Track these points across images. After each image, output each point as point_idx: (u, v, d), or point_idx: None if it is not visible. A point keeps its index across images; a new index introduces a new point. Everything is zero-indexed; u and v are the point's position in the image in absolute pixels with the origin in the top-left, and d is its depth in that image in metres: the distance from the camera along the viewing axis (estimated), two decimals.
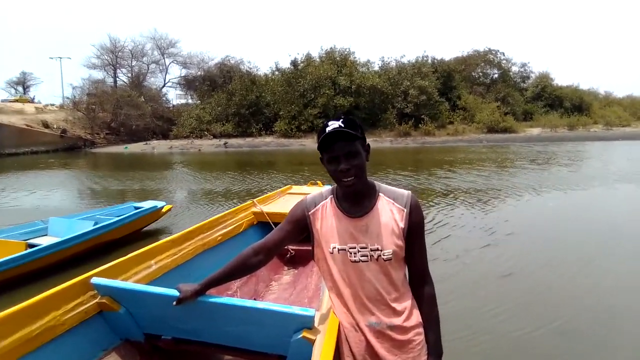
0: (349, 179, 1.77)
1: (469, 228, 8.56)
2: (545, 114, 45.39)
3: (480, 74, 49.51)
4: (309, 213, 1.98)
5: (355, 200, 1.89)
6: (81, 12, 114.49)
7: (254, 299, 3.92)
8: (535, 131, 40.04)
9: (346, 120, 1.77)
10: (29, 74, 60.52)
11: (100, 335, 2.63)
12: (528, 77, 51.32)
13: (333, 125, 1.75)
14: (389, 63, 43.57)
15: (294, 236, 2.05)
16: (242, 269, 2.16)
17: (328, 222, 1.93)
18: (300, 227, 2.01)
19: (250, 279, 4.24)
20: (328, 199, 1.96)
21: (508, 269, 6.20)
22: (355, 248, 1.86)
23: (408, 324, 1.90)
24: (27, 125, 31.14)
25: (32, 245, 6.36)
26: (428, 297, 1.95)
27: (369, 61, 43.19)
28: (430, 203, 10.87)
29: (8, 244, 6.32)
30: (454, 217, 9.39)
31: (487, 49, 49.46)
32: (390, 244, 1.83)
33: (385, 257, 1.84)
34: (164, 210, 8.65)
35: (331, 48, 42.05)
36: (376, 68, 43.05)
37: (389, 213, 1.86)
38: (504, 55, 49.76)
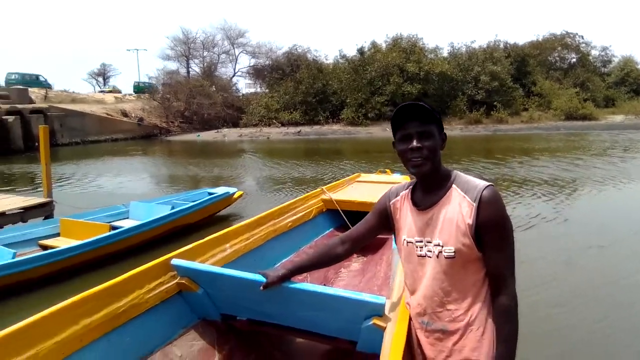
0: (418, 158, 1.69)
1: (577, 224, 7.97)
2: (629, 99, 42.48)
3: (557, 58, 46.89)
4: (390, 203, 1.96)
5: (427, 190, 1.81)
6: (155, 4, 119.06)
7: (324, 285, 3.97)
8: (618, 118, 37.59)
9: (426, 103, 1.73)
10: (109, 65, 63.70)
11: (180, 314, 2.76)
12: (609, 62, 48.14)
13: (411, 102, 1.72)
14: (458, 48, 42.25)
15: (378, 226, 2.03)
16: (328, 258, 2.17)
17: (403, 213, 1.89)
18: (384, 218, 1.99)
19: None
20: (408, 190, 1.91)
21: (624, 278, 5.45)
22: (422, 242, 1.78)
23: (467, 334, 1.75)
24: (108, 114, 32.88)
25: (114, 228, 6.75)
26: (501, 310, 1.69)
27: (437, 47, 42.06)
28: (526, 195, 10.42)
29: (93, 225, 6.74)
30: (560, 211, 8.84)
31: (564, 32, 46.75)
32: (453, 241, 1.69)
33: (446, 254, 1.71)
34: (235, 196, 8.90)
35: (397, 35, 41.41)
36: (445, 54, 41.88)
37: (456, 207, 1.70)
38: (582, 38, 46.78)
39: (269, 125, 37.06)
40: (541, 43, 46.45)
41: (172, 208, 7.47)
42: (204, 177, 14.92)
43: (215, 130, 35.96)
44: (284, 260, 3.99)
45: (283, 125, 36.96)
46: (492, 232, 1.65)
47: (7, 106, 24.66)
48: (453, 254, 1.70)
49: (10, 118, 23.82)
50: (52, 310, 2.10)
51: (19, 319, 2.07)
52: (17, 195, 8.99)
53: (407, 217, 1.87)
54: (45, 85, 40.00)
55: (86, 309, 2.24)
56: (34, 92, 32.20)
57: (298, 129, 35.22)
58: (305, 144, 27.57)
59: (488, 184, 1.69)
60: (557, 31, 47.62)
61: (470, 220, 1.66)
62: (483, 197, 1.65)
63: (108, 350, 2.31)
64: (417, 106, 1.69)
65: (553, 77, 42.61)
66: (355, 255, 4.82)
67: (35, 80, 39.79)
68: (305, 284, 2.68)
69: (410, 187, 1.91)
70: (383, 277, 3.89)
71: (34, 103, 28.56)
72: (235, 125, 38.44)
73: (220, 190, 8.83)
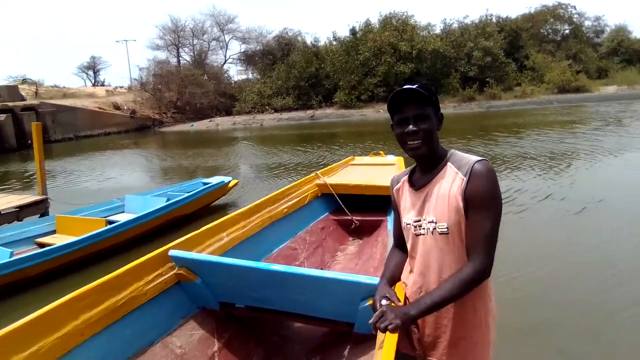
0: (415, 141, 1.71)
1: (562, 198, 7.85)
2: (621, 70, 42.35)
3: (550, 30, 46.56)
4: (394, 190, 1.99)
5: (423, 170, 1.84)
6: None
7: (321, 269, 4.01)
8: (611, 89, 37.52)
9: (422, 85, 1.74)
10: (98, 58, 62.72)
11: (179, 304, 2.79)
12: (602, 32, 48.08)
13: (407, 86, 1.73)
14: (451, 25, 42.07)
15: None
16: (401, 263, 2.06)
17: (403, 197, 1.92)
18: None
19: (316, 250, 4.33)
20: (407, 174, 1.94)
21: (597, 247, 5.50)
22: (419, 221, 1.81)
23: (461, 311, 1.78)
24: (99, 108, 32.58)
25: (111, 222, 6.73)
26: (458, 273, 1.67)
27: (429, 24, 41.91)
28: (515, 170, 10.41)
29: (90, 221, 6.73)
30: (551, 185, 8.79)
31: (556, 3, 46.34)
32: (446, 217, 1.71)
33: (440, 230, 1.73)
34: (230, 185, 8.90)
35: (390, 13, 41.14)
36: (437, 31, 41.68)
37: (449, 183, 1.71)
38: (575, 9, 46.46)
39: (262, 112, 36.91)
40: (533, 15, 46.14)
41: (168, 200, 7.45)
42: (199, 167, 14.89)
43: (209, 120, 35.78)
44: (281, 246, 4.03)
45: (276, 111, 36.82)
46: (476, 204, 1.65)
47: None
48: (446, 229, 1.72)
49: (2, 116, 23.60)
50: (53, 306, 2.13)
51: (19, 317, 2.09)
52: (12, 194, 8.97)
53: (406, 200, 1.90)
54: None
55: (86, 303, 2.27)
56: (25, 89, 31.92)
57: (311, 112, 35.13)
58: (299, 129, 27.48)
59: (480, 158, 1.70)
60: (550, 2, 47.18)
61: (461, 195, 1.67)
62: (474, 170, 1.66)
63: (109, 342, 2.34)
64: (413, 90, 1.70)
65: (546, 50, 42.38)
66: (350, 238, 4.87)
67: None
68: (302, 268, 2.71)
69: (410, 171, 1.94)
70: (379, 258, 3.93)
71: (25, 100, 28.28)
72: (229, 113, 38.24)
73: (215, 179, 8.82)
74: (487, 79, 36.97)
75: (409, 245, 1.91)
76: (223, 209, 8.69)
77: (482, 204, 1.65)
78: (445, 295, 1.63)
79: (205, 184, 8.63)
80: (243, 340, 2.89)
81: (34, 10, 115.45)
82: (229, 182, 8.85)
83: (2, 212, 7.46)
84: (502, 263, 4.26)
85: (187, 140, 25.98)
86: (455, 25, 41.75)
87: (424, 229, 1.79)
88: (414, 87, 1.71)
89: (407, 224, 1.87)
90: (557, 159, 11.69)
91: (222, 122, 34.22)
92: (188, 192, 7.91)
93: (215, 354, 2.73)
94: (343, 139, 21.04)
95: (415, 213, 1.83)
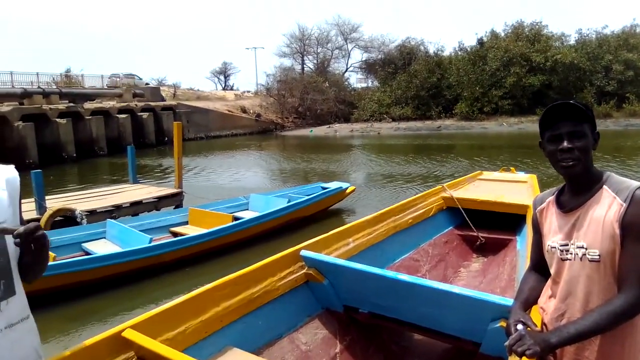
0: (568, 160, 1.62)
1: None
2: None
3: None
4: (537, 211, 1.90)
5: (575, 192, 1.72)
6: (273, 2, 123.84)
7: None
8: None
9: (578, 102, 1.66)
10: (229, 63, 66.72)
11: (306, 303, 2.90)
12: None
13: (562, 101, 1.66)
14: (587, 35, 38.98)
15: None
16: (537, 287, 1.97)
17: (548, 219, 1.82)
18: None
19: (439, 264, 4.25)
20: (554, 194, 1.84)
21: None
22: (566, 245, 1.70)
23: (606, 344, 1.62)
24: (229, 111, 34.81)
25: (236, 218, 7.16)
26: (607, 305, 1.55)
27: (563, 34, 39.11)
28: None
29: (218, 216, 7.22)
30: None
31: None
32: (598, 243, 1.59)
33: (590, 257, 1.61)
34: (348, 191, 9.04)
35: (518, 22, 39.15)
36: (572, 42, 38.85)
37: (604, 208, 1.59)
38: None
39: (380, 121, 36.96)
40: None
41: (289, 201, 7.75)
42: (316, 172, 15.29)
43: (327, 126, 36.57)
44: (403, 257, 4.00)
45: (394, 120, 36.69)
46: (635, 231, 1.53)
47: (142, 104, 27.04)
48: (598, 257, 1.60)
49: (145, 115, 26.13)
50: (197, 293, 2.31)
51: (156, 298, 2.29)
52: (152, 186, 9.87)
53: (552, 222, 1.80)
54: None
55: (225, 293, 2.43)
56: (164, 91, 34.94)
57: (430, 123, 34.70)
58: (417, 140, 27.10)
59: None
60: None
61: (618, 222, 1.55)
62: (635, 196, 1.54)
63: (244, 331, 2.49)
64: (569, 105, 1.63)
65: None
66: (475, 255, 4.70)
67: None
68: (430, 281, 2.68)
69: (557, 191, 1.84)
70: (507, 279, 3.76)
71: (165, 101, 30.98)
72: (347, 120, 38.80)
73: (333, 184, 9.02)
74: (627, 95, 33.75)
75: (552, 270, 1.80)
76: (339, 214, 8.84)
77: None
78: (592, 326, 1.53)
79: (324, 188, 8.85)
80: (364, 344, 2.92)
81: (175, 20, 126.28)
82: (347, 188, 8.99)
83: (143, 201, 8.26)
84: None
85: (306, 145, 26.79)
86: (592, 36, 38.66)
87: (571, 253, 1.68)
88: (570, 102, 1.63)
89: (551, 247, 1.77)
90: None
91: (340, 129, 34.81)
92: (308, 195, 8.16)
93: (337, 354, 2.79)
94: (462, 152, 20.40)
95: (562, 236, 1.72)
